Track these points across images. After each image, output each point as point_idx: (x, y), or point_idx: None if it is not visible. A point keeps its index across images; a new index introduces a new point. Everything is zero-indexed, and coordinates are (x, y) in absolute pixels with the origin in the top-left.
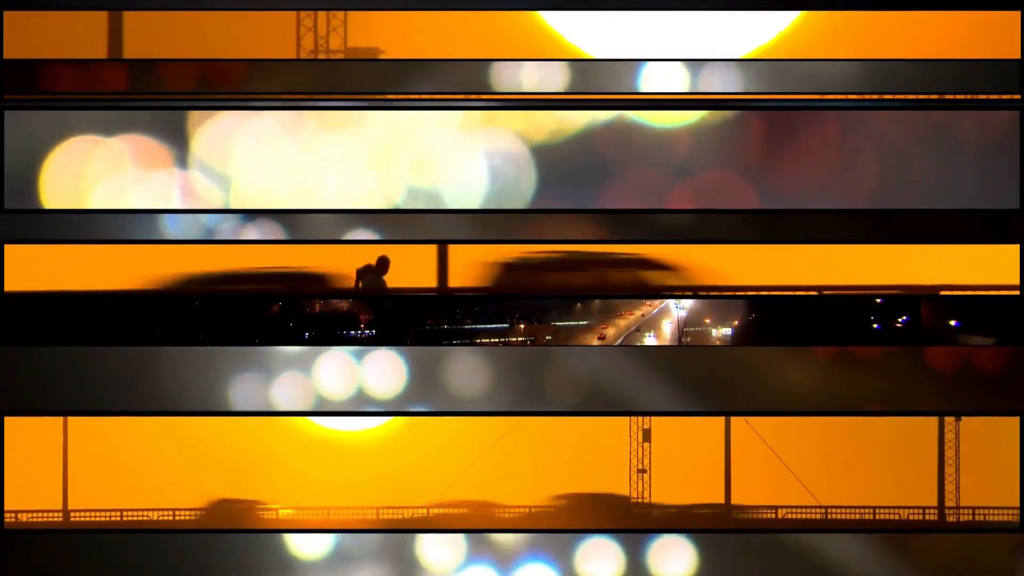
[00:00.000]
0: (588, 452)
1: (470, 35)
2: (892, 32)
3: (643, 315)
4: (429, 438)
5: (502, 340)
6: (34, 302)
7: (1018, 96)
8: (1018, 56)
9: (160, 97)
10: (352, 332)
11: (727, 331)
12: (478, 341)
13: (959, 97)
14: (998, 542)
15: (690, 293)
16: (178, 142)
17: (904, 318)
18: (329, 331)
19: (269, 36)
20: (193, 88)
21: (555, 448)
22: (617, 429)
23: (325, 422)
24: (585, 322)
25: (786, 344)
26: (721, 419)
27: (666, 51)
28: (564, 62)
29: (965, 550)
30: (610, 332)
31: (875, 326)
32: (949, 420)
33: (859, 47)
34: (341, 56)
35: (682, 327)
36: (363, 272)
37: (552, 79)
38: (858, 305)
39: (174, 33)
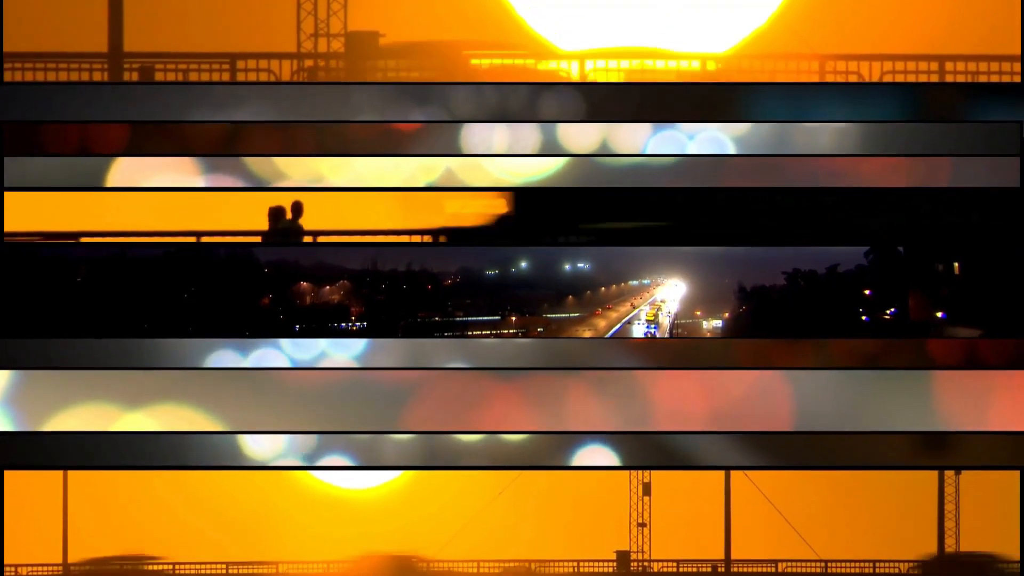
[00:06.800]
0: (588, 505)
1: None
2: (867, 27)
3: (632, 306)
4: (431, 492)
5: (494, 332)
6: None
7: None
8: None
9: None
10: (342, 325)
11: (717, 323)
12: (469, 333)
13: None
14: None
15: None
16: None
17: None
18: (320, 323)
19: (268, 19)
20: None
21: (555, 502)
22: (617, 482)
23: (327, 477)
24: (576, 314)
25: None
26: (720, 472)
27: (639, 43)
28: None
29: None
30: (601, 324)
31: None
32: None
33: (836, 40)
34: (341, 39)
35: (674, 320)
36: (276, 213)
37: None
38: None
39: (171, 17)
